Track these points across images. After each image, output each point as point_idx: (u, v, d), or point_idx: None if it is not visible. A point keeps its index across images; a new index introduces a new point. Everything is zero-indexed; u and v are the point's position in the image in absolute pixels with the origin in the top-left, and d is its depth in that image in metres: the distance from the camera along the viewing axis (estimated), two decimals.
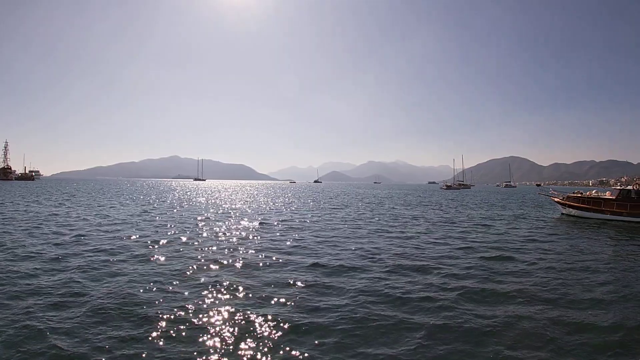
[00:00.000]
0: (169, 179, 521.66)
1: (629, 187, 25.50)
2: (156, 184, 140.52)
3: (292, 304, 7.57)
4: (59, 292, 7.96)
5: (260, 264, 10.86)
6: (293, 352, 5.65)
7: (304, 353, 5.63)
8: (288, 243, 14.56)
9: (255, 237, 15.82)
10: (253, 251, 12.73)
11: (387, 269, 10.57)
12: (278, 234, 17.14)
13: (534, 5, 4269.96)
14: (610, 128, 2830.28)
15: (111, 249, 12.62)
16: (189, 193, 63.58)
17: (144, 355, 5.48)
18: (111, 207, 30.33)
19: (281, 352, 5.66)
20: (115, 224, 19.52)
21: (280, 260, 11.34)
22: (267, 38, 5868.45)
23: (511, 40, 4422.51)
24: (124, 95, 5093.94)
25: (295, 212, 29.59)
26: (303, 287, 8.69)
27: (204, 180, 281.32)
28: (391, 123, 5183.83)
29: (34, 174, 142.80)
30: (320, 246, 14.04)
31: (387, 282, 9.23)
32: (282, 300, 7.78)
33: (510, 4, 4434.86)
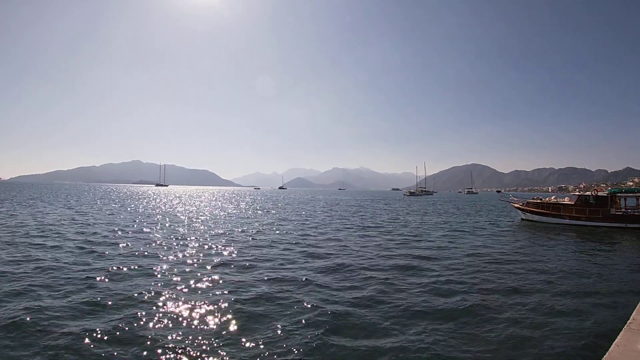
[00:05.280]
0: (130, 184, 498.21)
1: (588, 193, 26.04)
2: (111, 190, 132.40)
3: None
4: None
5: None
6: None
7: None
8: None
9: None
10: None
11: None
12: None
13: (490, 17, 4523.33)
14: (569, 137, 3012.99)
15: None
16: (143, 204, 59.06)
17: None
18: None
19: None
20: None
21: None
22: (232, 46, 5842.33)
23: (469, 50, 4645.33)
24: (84, 98, 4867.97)
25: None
26: None
27: (167, 185, 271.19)
28: (355, 131, 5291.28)
29: None
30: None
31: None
32: None
33: (466, 15, 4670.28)
